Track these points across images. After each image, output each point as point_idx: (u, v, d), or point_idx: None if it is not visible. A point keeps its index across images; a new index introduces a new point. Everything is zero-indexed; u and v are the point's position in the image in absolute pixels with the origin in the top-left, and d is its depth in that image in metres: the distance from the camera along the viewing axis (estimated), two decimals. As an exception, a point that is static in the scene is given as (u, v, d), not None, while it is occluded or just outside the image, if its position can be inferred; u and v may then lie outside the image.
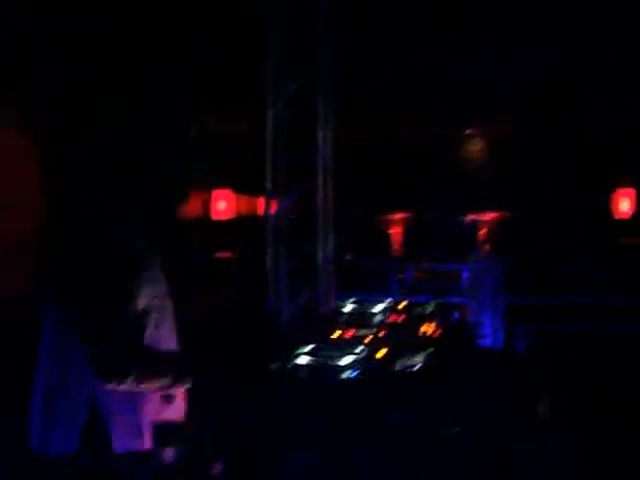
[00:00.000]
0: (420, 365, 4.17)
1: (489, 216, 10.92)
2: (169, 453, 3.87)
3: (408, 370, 4.13)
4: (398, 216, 10.94)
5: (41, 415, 3.29)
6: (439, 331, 4.87)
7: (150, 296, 3.03)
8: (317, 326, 5.15)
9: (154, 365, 3.15)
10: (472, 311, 8.22)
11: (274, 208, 6.52)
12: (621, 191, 10.61)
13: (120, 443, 3.32)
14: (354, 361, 4.24)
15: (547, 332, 7.98)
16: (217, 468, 3.83)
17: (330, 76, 6.55)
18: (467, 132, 11.12)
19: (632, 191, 10.61)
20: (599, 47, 9.35)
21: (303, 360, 4.37)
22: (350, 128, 9.26)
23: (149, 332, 3.09)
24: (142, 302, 3.03)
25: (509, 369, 5.47)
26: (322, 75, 6.46)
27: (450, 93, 9.94)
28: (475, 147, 11.13)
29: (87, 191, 3.27)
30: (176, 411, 3.42)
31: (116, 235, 3.18)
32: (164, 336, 3.12)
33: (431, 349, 4.40)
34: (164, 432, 3.84)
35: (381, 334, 4.90)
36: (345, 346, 4.59)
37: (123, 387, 3.11)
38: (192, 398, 4.01)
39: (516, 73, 9.64)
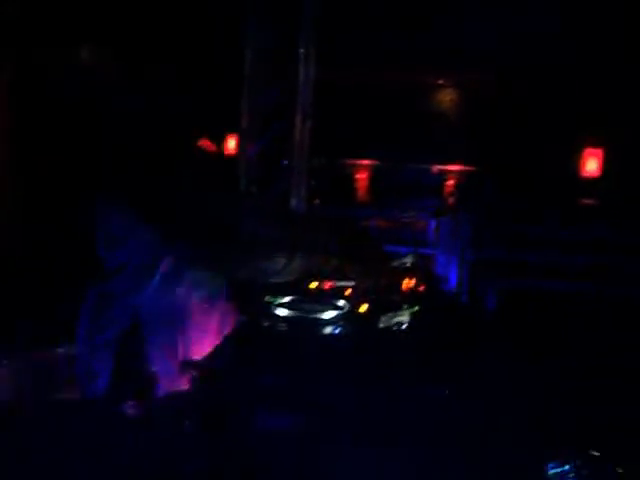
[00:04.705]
0: (406, 324, 4.00)
1: (456, 168, 10.80)
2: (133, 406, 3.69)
3: (394, 328, 3.96)
4: (364, 162, 10.75)
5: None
6: (422, 286, 4.69)
7: None
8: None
9: None
10: (440, 264, 8.14)
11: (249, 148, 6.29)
12: (589, 151, 10.57)
13: (156, 365, 3.48)
14: (336, 316, 4.05)
15: (513, 289, 7.97)
16: (186, 425, 3.66)
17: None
18: (439, 81, 10.92)
19: (600, 151, 10.58)
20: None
21: (281, 312, 4.16)
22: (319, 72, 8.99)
23: None
24: None
25: (486, 327, 5.38)
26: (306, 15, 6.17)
27: (427, 43, 9.74)
28: (446, 97, 10.95)
29: None
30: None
31: None
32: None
33: (416, 307, 4.22)
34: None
35: (361, 287, 4.71)
36: (325, 299, 4.39)
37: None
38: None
39: (495, 33, 9.50)
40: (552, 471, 3.40)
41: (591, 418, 3.89)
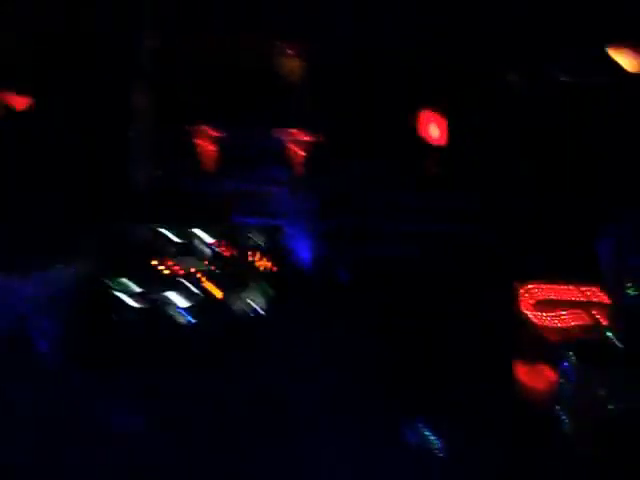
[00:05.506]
0: (259, 308, 3.86)
1: (303, 137, 10.75)
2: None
3: (248, 313, 3.82)
4: (210, 131, 10.52)
5: None
6: (275, 265, 4.56)
7: None
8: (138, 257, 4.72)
9: None
10: (290, 236, 8.06)
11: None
12: (433, 119, 10.75)
13: None
14: (192, 304, 3.88)
15: (363, 258, 8.03)
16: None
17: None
18: (285, 50, 10.79)
19: (443, 121, 10.79)
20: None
21: (132, 299, 3.94)
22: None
23: None
24: None
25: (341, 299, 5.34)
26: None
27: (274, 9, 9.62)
28: (293, 66, 10.85)
29: None
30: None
31: None
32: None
33: (270, 289, 4.10)
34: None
35: (213, 269, 4.54)
36: (177, 283, 4.20)
37: None
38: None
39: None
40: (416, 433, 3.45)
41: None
